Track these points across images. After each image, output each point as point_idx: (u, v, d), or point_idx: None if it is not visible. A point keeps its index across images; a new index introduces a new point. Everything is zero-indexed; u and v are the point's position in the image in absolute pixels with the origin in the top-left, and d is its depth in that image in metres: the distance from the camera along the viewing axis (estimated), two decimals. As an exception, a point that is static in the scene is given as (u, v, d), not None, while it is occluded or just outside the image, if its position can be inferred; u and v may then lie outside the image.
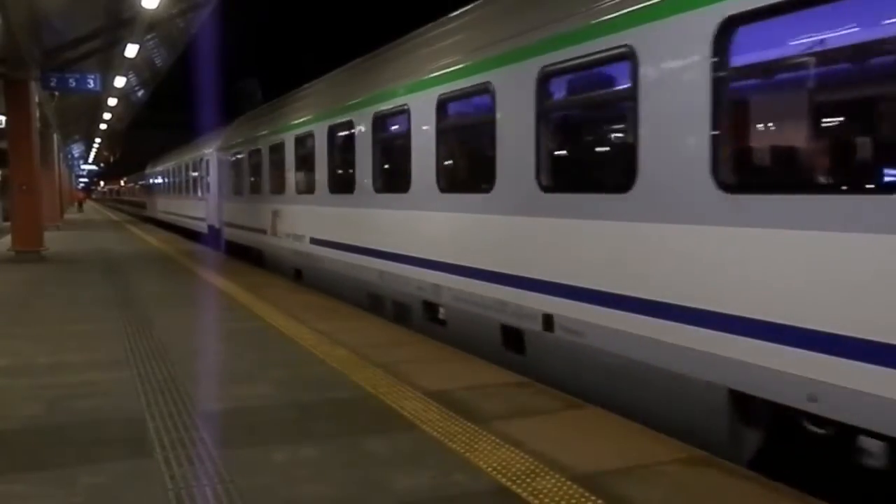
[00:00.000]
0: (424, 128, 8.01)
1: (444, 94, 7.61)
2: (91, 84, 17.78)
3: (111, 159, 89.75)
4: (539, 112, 6.03)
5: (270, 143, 14.39)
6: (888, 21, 3.54)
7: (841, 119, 4.10)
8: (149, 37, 21.23)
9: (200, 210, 22.49)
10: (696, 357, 4.52)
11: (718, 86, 4.33)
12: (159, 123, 45.42)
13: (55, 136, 31.67)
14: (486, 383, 5.60)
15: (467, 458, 4.02)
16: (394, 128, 9.21)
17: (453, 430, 4.47)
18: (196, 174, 23.24)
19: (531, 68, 6.06)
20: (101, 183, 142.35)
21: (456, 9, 8.36)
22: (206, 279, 12.56)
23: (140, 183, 46.77)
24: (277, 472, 3.87)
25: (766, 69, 4.27)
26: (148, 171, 39.67)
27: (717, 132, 4.36)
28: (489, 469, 3.86)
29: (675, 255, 4.69)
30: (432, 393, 5.28)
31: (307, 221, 12.26)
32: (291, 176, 13.08)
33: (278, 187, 13.84)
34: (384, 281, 9.07)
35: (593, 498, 3.49)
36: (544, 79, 5.96)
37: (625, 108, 5.14)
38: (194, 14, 20.38)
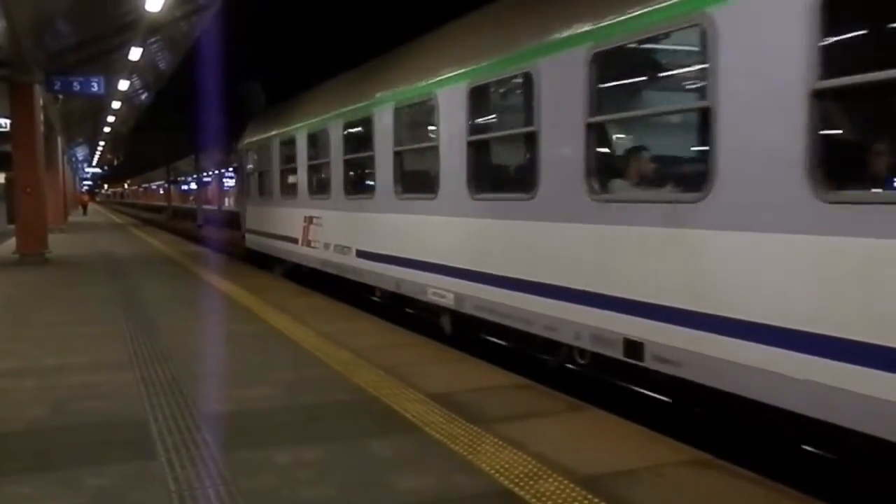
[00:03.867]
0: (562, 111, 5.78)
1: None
2: (95, 87, 17.84)
3: (115, 162, 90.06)
4: None
5: (310, 132, 11.84)
6: None
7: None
8: (152, 40, 21.30)
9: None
10: None
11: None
12: (163, 126, 45.44)
13: (59, 139, 31.78)
14: (489, 385, 5.61)
15: (470, 460, 4.03)
16: (509, 108, 7.45)
17: (456, 433, 4.47)
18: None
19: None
20: (105, 186, 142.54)
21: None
22: (210, 282, 12.58)
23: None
24: (280, 474, 3.88)
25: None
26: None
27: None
28: (492, 471, 3.86)
29: None
30: (435, 395, 5.29)
31: (356, 231, 9.95)
32: (337, 174, 10.61)
33: (318, 188, 11.69)
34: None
35: (596, 500, 3.49)
36: None
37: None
38: (198, 17, 20.44)
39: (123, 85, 23.42)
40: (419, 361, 6.39)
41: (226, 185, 62.22)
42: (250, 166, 16.17)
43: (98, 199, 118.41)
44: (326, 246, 11.05)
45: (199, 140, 44.53)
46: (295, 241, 12.52)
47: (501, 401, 5.18)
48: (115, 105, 28.89)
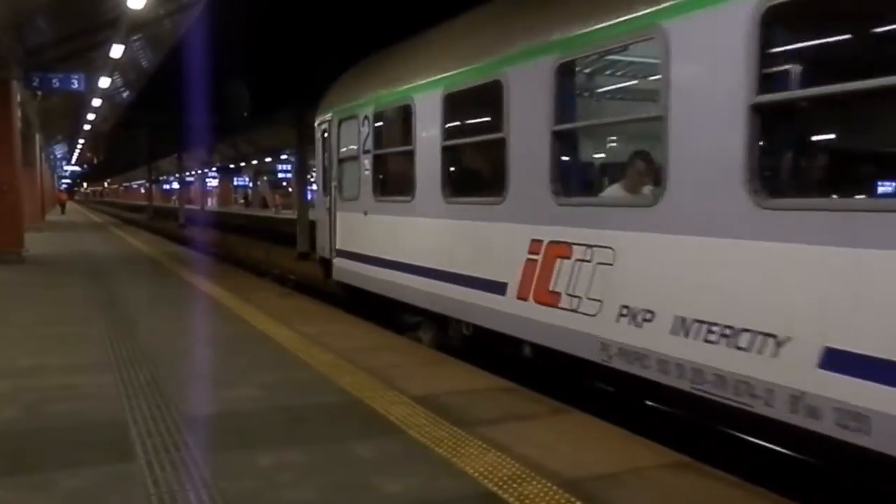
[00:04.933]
0: None
1: None
2: (75, 84, 17.60)
3: (95, 160, 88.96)
4: None
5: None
6: None
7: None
8: (135, 37, 21.08)
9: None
10: None
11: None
12: (145, 124, 44.98)
13: (37, 137, 31.31)
14: (473, 388, 5.60)
15: (454, 463, 4.01)
16: None
17: (440, 435, 4.45)
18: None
19: None
20: (85, 184, 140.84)
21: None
22: (191, 282, 12.45)
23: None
24: (262, 476, 3.83)
25: None
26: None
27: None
28: (476, 474, 3.85)
29: None
30: (419, 397, 5.26)
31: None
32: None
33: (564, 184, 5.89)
34: None
35: (579, 503, 3.49)
36: None
37: None
38: (182, 15, 20.28)
39: (104, 82, 23.11)
40: (403, 364, 6.36)
41: (208, 185, 61.72)
42: (344, 149, 9.96)
43: (77, 197, 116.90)
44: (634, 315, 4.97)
45: (182, 139, 44.14)
46: (500, 288, 6.35)
47: (485, 404, 5.17)
48: (96, 103, 28.52)
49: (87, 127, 41.67)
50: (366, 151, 9.11)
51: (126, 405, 5.09)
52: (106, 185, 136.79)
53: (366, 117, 9.08)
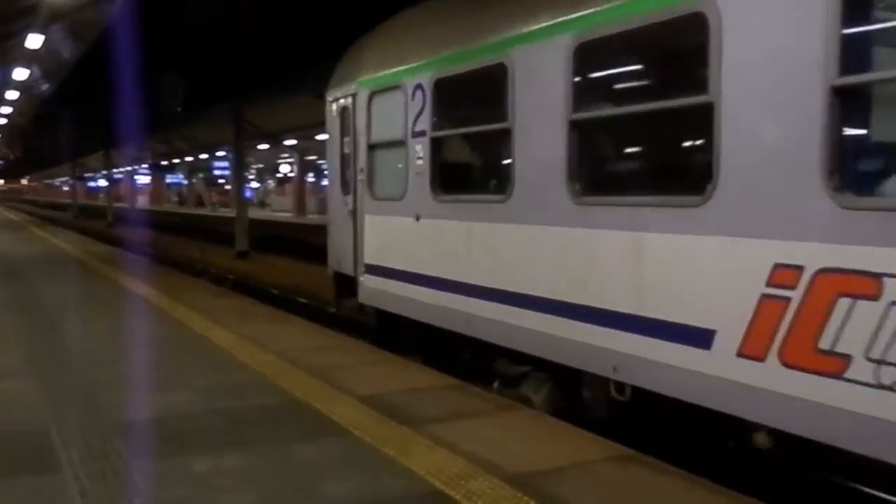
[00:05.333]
0: None
1: None
2: (-11, 75, 16.61)
3: (11, 157, 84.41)
4: None
5: None
6: None
7: None
8: (55, 27, 20.07)
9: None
10: None
11: None
12: (68, 119, 43.00)
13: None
14: (419, 386, 5.53)
15: (400, 462, 3.95)
16: None
17: (386, 435, 4.38)
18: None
19: None
20: (1, 181, 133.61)
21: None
22: (121, 283, 11.93)
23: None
24: (199, 483, 3.68)
25: None
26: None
27: None
28: (423, 472, 3.80)
29: None
30: (364, 397, 5.17)
31: None
32: None
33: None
34: None
35: (526, 499, 3.48)
36: None
37: None
38: (108, 4, 19.40)
39: (21, 74, 21.93)
40: (348, 364, 6.24)
41: (139, 182, 59.50)
42: (379, 132, 7.48)
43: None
44: None
45: (109, 134, 42.33)
46: (697, 337, 4.12)
47: (433, 402, 5.12)
48: (12, 95, 27.05)
49: (2, 121, 39.48)
50: (418, 133, 6.58)
51: (48, 413, 4.81)
52: (25, 181, 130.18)
53: (418, 87, 6.56)
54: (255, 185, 58.25)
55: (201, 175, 62.23)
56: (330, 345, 7.14)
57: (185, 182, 65.43)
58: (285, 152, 42.85)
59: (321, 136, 34.79)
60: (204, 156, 52.62)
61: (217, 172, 56.02)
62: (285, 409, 4.94)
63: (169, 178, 69.09)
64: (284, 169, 47.72)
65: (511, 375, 5.84)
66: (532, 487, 3.61)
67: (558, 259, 5.10)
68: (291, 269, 19.21)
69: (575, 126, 4.89)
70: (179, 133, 46.29)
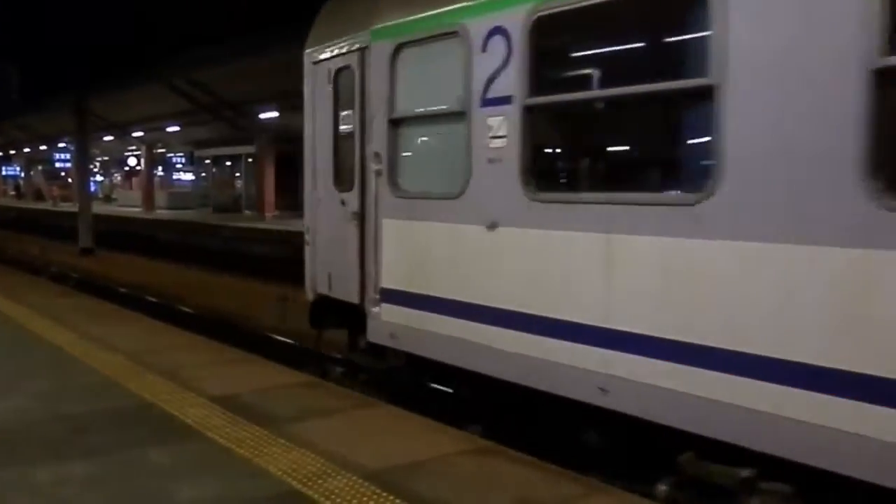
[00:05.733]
0: None
1: None
2: None
3: None
4: None
5: None
6: None
7: None
8: None
9: None
10: None
11: None
12: None
13: None
14: (275, 385, 5.50)
15: (256, 463, 3.94)
16: None
17: (241, 436, 4.34)
18: None
19: None
20: None
21: None
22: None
23: None
24: (40, 492, 3.49)
25: None
26: None
27: None
28: (279, 473, 3.81)
29: None
30: (217, 398, 5.07)
31: None
32: None
33: None
34: None
35: (384, 494, 3.58)
36: None
37: None
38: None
39: None
40: (199, 363, 6.08)
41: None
42: (409, 102, 5.50)
43: None
44: None
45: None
46: None
47: (289, 400, 5.11)
48: None
49: None
50: (494, 101, 4.63)
51: None
52: None
53: (496, 32, 4.57)
54: (100, 178, 54.59)
55: (40, 167, 57.46)
56: (178, 344, 6.92)
57: (22, 175, 60.25)
58: (132, 144, 40.44)
59: (171, 129, 33.23)
60: (43, 147, 48.46)
61: (59, 165, 51.86)
62: (135, 413, 4.76)
63: (5, 171, 63.64)
64: (132, 162, 45.02)
65: (718, 485, 3.62)
66: (390, 483, 3.70)
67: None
68: (139, 267, 18.39)
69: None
70: (15, 122, 42.38)
